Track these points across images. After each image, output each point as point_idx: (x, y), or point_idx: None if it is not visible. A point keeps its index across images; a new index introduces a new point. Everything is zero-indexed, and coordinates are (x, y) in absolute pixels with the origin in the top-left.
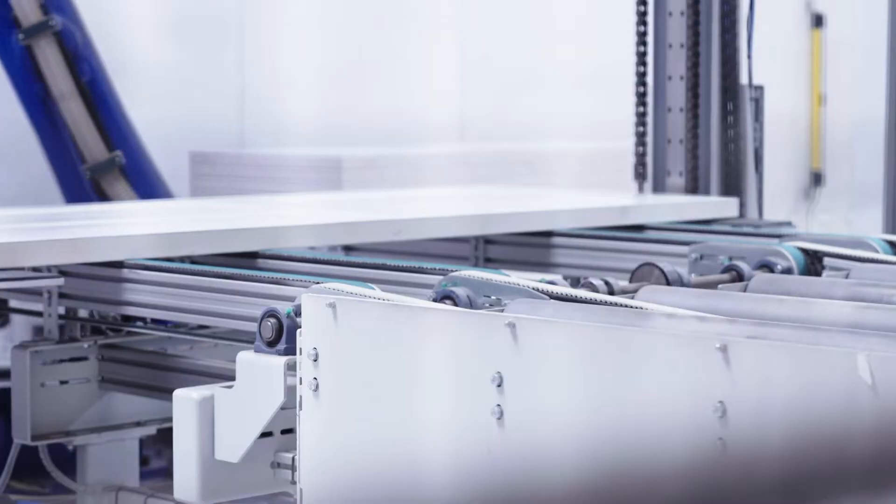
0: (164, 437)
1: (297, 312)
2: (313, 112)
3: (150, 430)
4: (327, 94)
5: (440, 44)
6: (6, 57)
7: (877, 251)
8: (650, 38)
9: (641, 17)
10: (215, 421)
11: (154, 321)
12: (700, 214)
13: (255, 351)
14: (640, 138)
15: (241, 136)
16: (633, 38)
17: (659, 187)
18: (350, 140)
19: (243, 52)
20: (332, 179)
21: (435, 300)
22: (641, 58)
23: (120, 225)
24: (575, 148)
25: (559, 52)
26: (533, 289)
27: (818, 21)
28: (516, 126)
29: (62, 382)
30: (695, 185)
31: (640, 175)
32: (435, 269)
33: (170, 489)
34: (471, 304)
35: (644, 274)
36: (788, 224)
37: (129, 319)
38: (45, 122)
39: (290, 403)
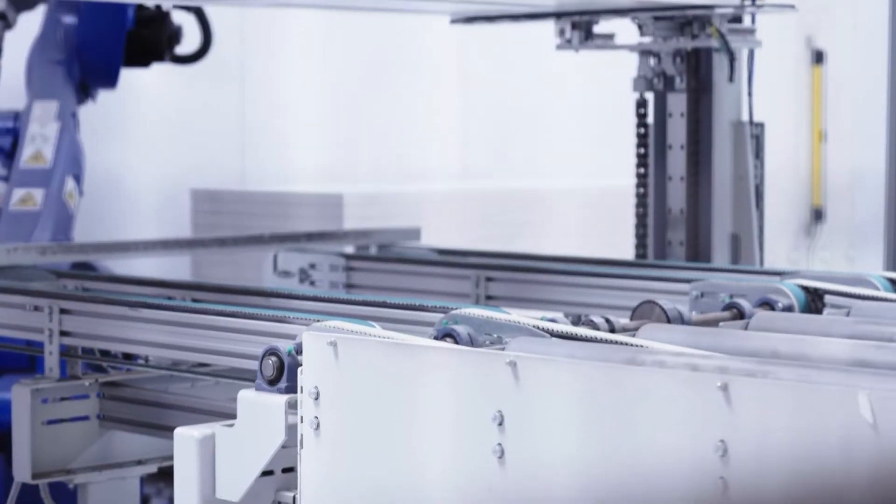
0: (165, 476)
1: (298, 351)
2: (315, 150)
3: (151, 468)
4: (329, 132)
5: (441, 83)
6: None
7: (878, 289)
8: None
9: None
10: (216, 459)
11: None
12: None
13: (257, 389)
14: (642, 178)
15: (243, 174)
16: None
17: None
18: (352, 178)
19: (245, 90)
20: (333, 216)
21: (436, 338)
22: (642, 110)
23: None
24: (576, 187)
25: (559, 92)
26: (534, 327)
27: (819, 58)
28: (518, 164)
29: (63, 420)
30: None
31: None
32: (436, 306)
33: None
34: (472, 342)
35: (645, 311)
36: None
37: (129, 357)
38: None
39: (292, 442)
